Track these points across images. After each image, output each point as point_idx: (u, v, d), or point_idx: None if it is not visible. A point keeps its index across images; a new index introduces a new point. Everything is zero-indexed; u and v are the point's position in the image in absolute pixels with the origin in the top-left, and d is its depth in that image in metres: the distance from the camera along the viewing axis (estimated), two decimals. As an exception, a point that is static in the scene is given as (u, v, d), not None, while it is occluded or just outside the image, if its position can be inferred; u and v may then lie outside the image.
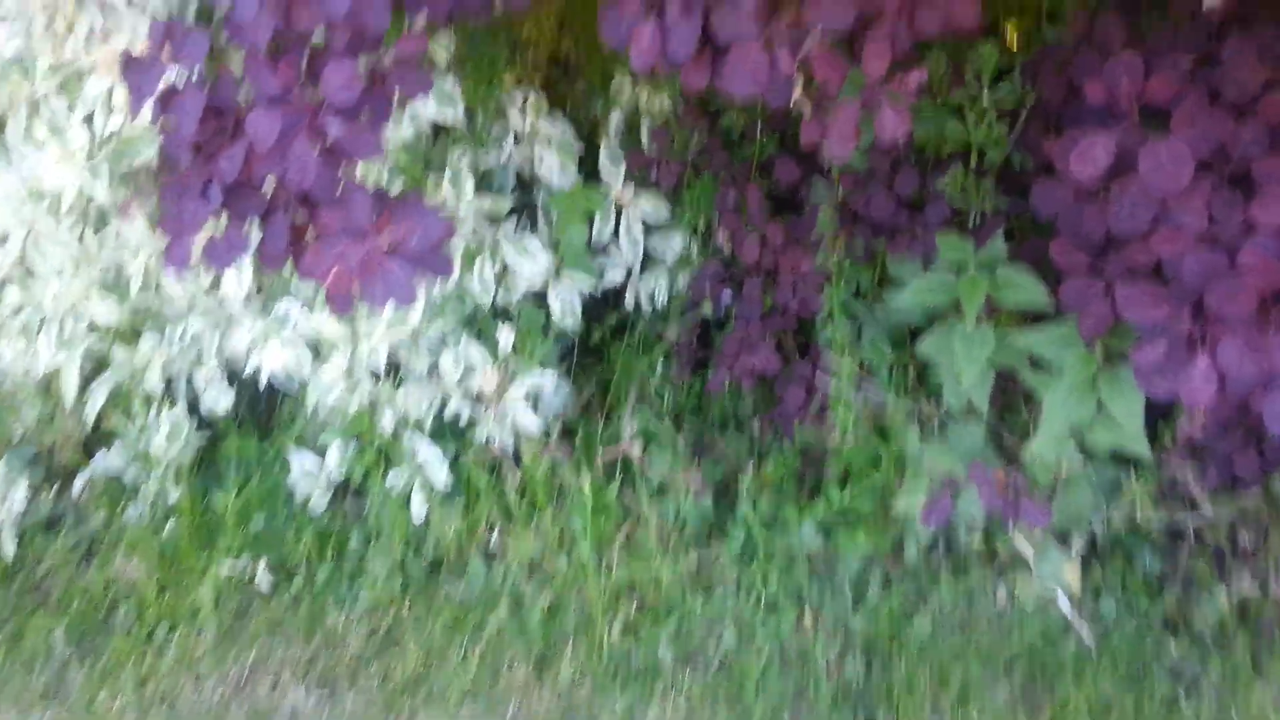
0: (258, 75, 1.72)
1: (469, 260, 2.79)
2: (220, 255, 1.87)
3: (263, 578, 2.75)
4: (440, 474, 2.71)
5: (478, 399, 2.68)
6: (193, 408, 2.82)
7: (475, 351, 2.67)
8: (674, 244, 3.05)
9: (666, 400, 3.05)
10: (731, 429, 3.08)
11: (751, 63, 1.81)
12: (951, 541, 2.85)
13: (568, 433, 2.96)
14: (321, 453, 2.78)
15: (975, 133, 2.44)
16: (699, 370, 3.14)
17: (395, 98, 1.82)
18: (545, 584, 2.80)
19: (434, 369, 2.67)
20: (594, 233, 2.96)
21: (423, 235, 1.72)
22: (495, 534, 2.83)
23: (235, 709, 2.59)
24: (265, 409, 2.93)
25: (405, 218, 1.76)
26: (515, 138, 2.96)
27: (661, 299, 3.10)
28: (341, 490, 2.89)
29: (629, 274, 3.06)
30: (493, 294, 2.80)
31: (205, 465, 2.87)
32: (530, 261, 2.78)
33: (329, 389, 2.58)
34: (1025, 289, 2.27)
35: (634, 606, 2.74)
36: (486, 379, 2.59)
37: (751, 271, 2.93)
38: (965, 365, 2.35)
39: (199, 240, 1.86)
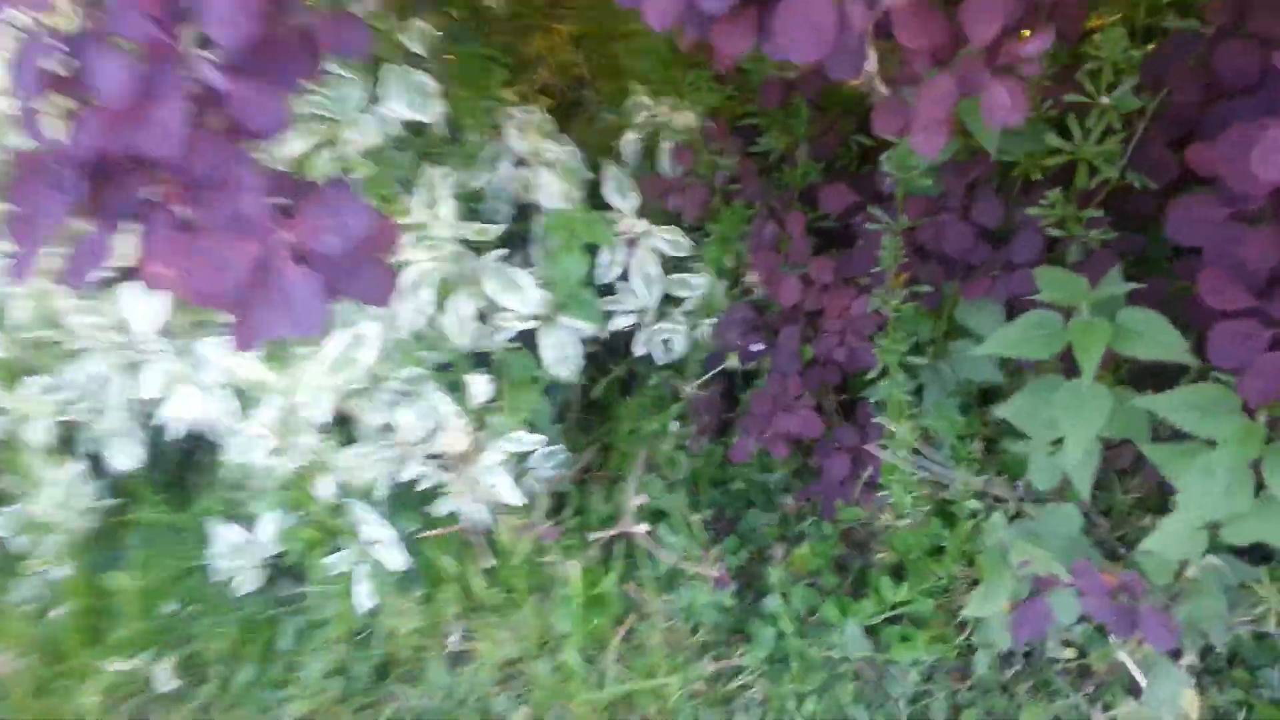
0: (115, 7, 1.21)
1: (444, 295, 2.27)
2: (76, 267, 1.36)
3: (162, 678, 2.19)
4: (393, 555, 2.16)
5: (442, 464, 2.14)
6: (97, 466, 2.29)
7: (446, 407, 2.13)
8: (696, 285, 2.53)
9: (681, 469, 2.51)
10: (759, 506, 2.54)
11: (812, 13, 1.30)
12: (1031, 653, 2.29)
13: (558, 506, 2.42)
14: (250, 525, 2.24)
15: (1084, 146, 1.91)
16: (721, 435, 2.60)
17: (315, 53, 1.32)
18: (522, 695, 2.24)
19: (391, 426, 2.14)
20: (601, 269, 2.44)
21: (343, 234, 1.20)
22: (460, 631, 2.28)
23: None
24: (182, 470, 2.39)
25: (322, 212, 1.24)
26: (515, 161, 2.46)
27: (679, 349, 2.57)
28: (275, 573, 2.34)
29: (640, 318, 2.53)
30: (470, 336, 2.27)
31: (107, 536, 2.33)
32: (518, 298, 2.25)
33: (253, 446, 2.04)
34: (1156, 337, 1.74)
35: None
36: (453, 437, 2.04)
37: (789, 317, 2.40)
38: (1074, 433, 1.81)
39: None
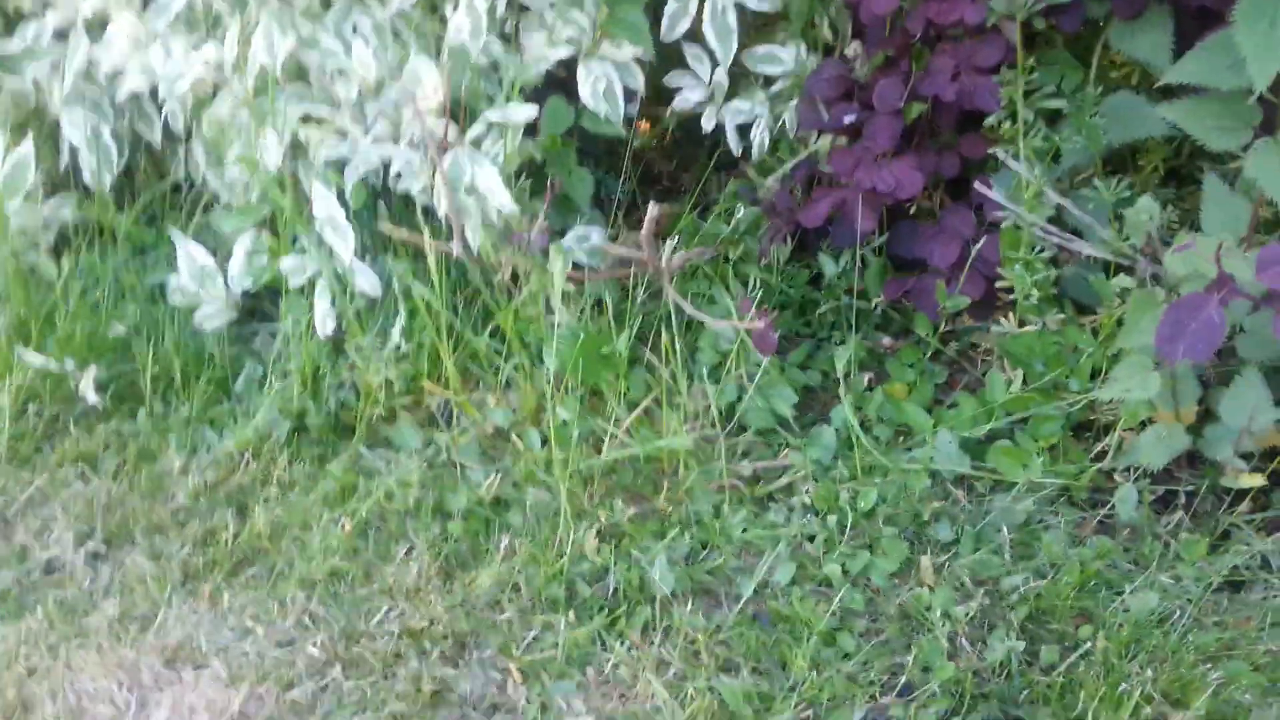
0: None
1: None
2: None
3: (89, 392, 1.83)
4: (362, 274, 1.75)
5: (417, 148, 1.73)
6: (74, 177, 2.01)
7: (423, 64, 1.73)
8: (784, 59, 2.10)
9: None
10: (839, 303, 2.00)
11: None
12: (1194, 493, 1.64)
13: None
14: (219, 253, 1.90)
15: None
16: (802, 247, 2.09)
17: None
18: (501, 463, 1.74)
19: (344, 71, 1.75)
20: (667, 22, 2.05)
21: None
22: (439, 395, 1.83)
23: (-30, 549, 1.63)
24: (156, 193, 2.07)
25: None
26: None
27: (759, 139, 2.13)
28: (242, 316, 1.97)
29: (714, 90, 2.11)
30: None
31: (61, 240, 2.02)
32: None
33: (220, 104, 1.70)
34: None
35: (625, 514, 1.63)
36: (427, 95, 1.64)
37: (890, 63, 1.92)
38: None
39: None
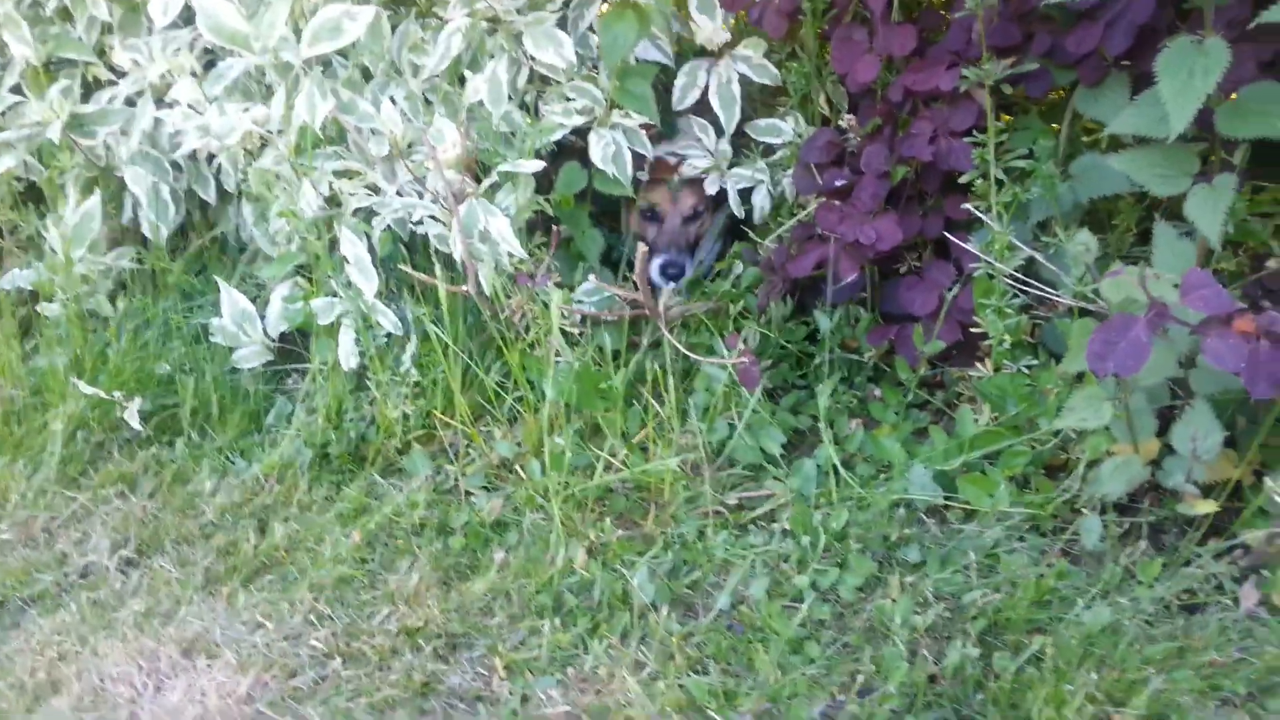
0: None
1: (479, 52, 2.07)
2: None
3: (133, 420, 2.00)
4: (384, 315, 1.92)
5: (438, 202, 1.92)
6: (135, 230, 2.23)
7: (444, 121, 1.93)
8: (784, 130, 2.28)
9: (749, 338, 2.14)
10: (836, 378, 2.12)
11: None
12: (1150, 519, 1.71)
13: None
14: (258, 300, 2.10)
15: None
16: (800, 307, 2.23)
17: None
18: (503, 490, 1.87)
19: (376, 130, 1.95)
20: (677, 94, 2.25)
21: None
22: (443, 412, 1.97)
23: (19, 552, 1.79)
24: (204, 245, 2.29)
25: None
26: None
27: (760, 204, 2.29)
28: (277, 358, 2.15)
29: (717, 159, 2.29)
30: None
31: (118, 286, 2.23)
32: (556, 53, 2.06)
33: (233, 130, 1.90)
34: None
35: (614, 534, 1.75)
36: (447, 148, 1.83)
37: (876, 132, 2.08)
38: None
39: None
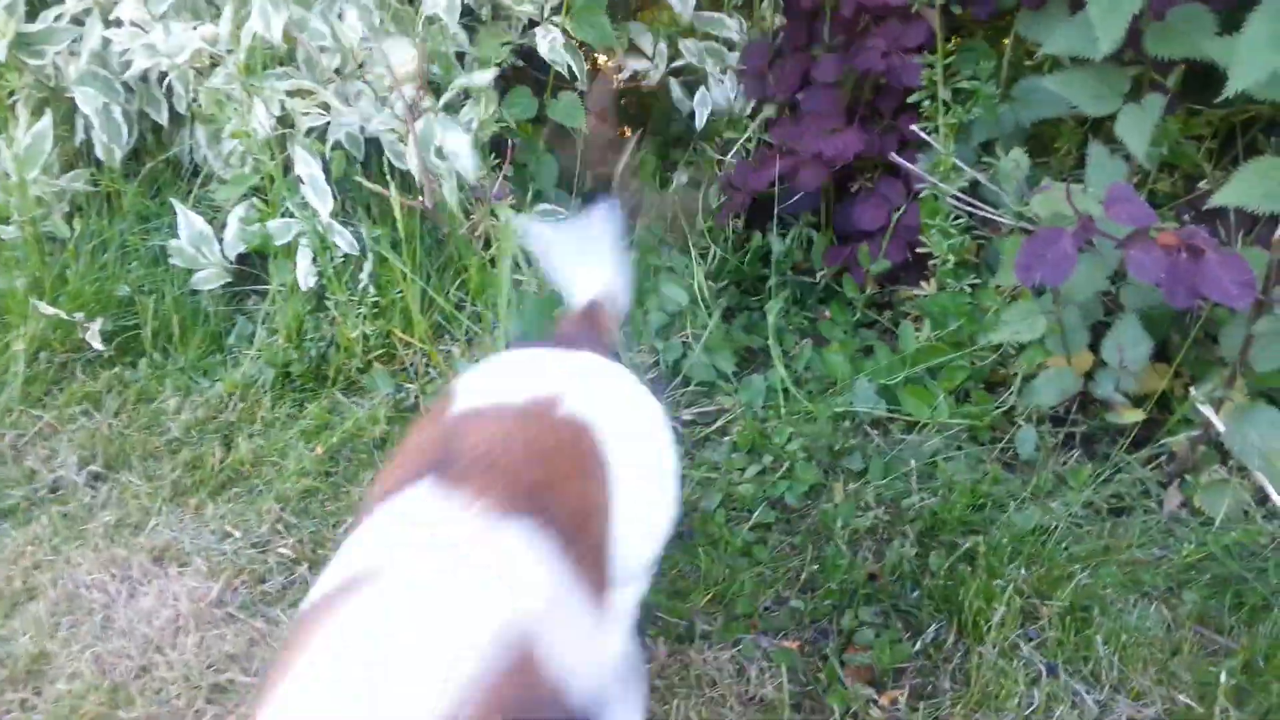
0: None
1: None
2: None
3: (95, 340, 2.02)
4: (340, 234, 1.94)
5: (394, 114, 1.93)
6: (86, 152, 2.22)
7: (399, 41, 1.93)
8: (729, 24, 2.30)
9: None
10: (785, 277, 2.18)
11: None
12: (1084, 430, 1.80)
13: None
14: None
15: None
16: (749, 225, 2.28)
17: None
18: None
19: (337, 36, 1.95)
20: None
21: None
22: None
23: (-15, 470, 1.82)
24: (159, 166, 2.28)
25: None
26: None
27: (715, 102, 2.31)
28: (235, 279, 2.17)
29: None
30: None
31: (73, 207, 2.23)
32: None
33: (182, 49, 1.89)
34: None
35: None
36: (406, 63, 1.84)
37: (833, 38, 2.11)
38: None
39: None
